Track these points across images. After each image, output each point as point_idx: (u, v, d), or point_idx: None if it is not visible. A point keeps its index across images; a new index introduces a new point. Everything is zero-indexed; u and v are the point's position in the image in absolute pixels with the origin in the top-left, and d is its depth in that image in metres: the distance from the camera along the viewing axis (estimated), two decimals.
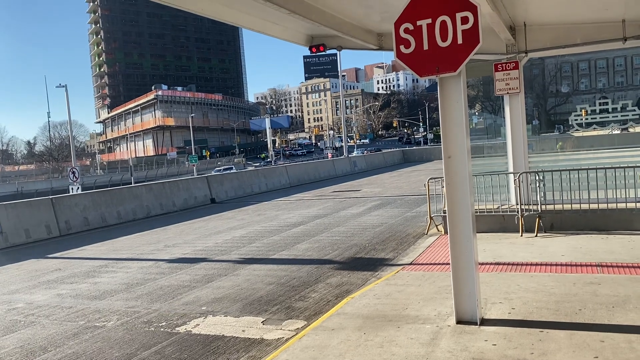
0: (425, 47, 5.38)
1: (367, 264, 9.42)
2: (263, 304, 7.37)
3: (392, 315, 5.89)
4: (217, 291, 8.26)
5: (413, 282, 7.38)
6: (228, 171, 38.88)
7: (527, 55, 11.14)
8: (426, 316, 5.75)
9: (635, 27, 9.60)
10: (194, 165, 58.03)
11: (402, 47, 5.52)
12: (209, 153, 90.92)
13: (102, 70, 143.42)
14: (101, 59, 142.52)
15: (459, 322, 5.38)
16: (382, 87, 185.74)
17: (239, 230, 14.70)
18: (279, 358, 4.96)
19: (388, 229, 12.87)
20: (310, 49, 13.04)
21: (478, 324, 5.28)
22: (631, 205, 9.70)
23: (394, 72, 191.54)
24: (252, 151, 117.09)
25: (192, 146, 76.55)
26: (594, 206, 9.90)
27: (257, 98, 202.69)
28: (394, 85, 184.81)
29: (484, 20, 9.28)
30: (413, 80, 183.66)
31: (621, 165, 10.38)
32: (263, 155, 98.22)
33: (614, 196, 10.01)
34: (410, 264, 8.78)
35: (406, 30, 5.45)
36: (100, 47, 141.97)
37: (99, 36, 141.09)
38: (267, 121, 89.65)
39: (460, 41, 5.20)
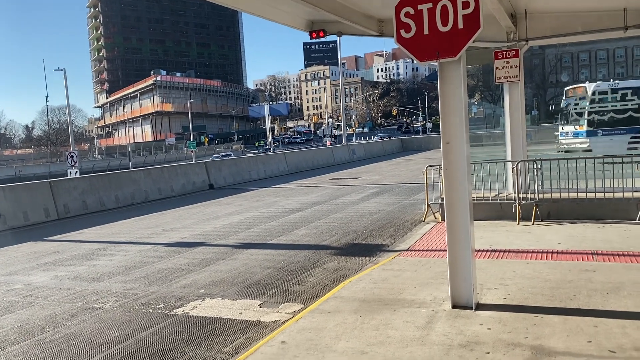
0: (426, 31, 5.36)
1: (364, 249, 9.47)
2: (260, 287, 7.41)
3: (388, 299, 5.94)
4: (214, 275, 8.30)
5: (409, 268, 7.42)
6: (226, 157, 38.85)
7: (528, 44, 11.11)
8: (422, 300, 5.80)
9: (636, 16, 9.57)
10: (192, 152, 57.95)
11: (402, 32, 5.50)
12: (207, 139, 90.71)
13: (100, 54, 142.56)
14: (100, 43, 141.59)
15: (454, 306, 5.42)
16: (382, 76, 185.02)
17: (237, 215, 14.73)
18: (275, 339, 5.00)
19: (385, 216, 12.91)
20: (310, 34, 12.97)
21: (473, 308, 5.32)
22: (628, 194, 9.74)
23: (394, 61, 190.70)
24: (251, 138, 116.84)
25: (191, 132, 76.35)
26: (590, 195, 9.94)
27: (256, 85, 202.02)
28: (393, 74, 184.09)
29: (485, 7, 9.24)
30: (413, 69, 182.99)
31: (617, 155, 10.40)
32: (257, 143, 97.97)
33: (611, 186, 10.04)
34: (407, 250, 8.82)
35: (407, 15, 5.43)
36: (99, 32, 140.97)
37: (98, 20, 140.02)
38: (266, 108, 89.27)
39: (460, 26, 5.19)
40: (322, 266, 8.42)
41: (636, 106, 19.28)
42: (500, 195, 11.02)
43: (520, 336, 4.55)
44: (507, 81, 11.17)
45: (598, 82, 20.39)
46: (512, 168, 10.61)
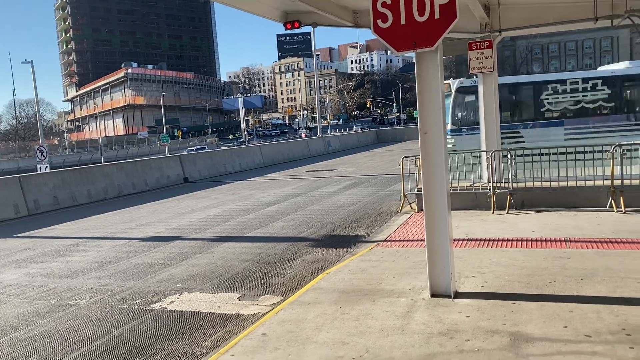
0: (403, 21, 5.35)
1: (342, 241, 9.48)
2: (239, 280, 7.36)
3: (367, 290, 5.96)
4: (192, 269, 8.21)
5: (387, 258, 7.46)
6: (201, 151, 38.43)
7: (501, 34, 11.22)
8: (401, 290, 5.83)
9: (605, 7, 9.74)
10: (165, 145, 57.15)
11: (379, 22, 5.48)
12: (180, 133, 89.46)
13: (69, 47, 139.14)
14: (68, 35, 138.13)
15: (433, 295, 5.47)
16: (356, 68, 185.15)
17: (213, 209, 14.59)
18: (256, 332, 4.97)
19: (362, 207, 12.95)
20: (284, 25, 12.84)
21: (452, 297, 5.37)
22: (598, 182, 9.95)
23: (368, 52, 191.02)
24: (225, 131, 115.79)
25: (164, 125, 75.28)
26: (563, 184, 10.14)
27: (230, 77, 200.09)
28: (367, 66, 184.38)
29: None
30: (387, 60, 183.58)
31: (588, 145, 10.62)
32: (232, 136, 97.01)
33: (582, 174, 10.26)
34: (385, 240, 8.86)
35: (383, 4, 5.41)
36: (67, 23, 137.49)
37: (66, 12, 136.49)
38: (240, 100, 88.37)
39: (437, 16, 5.20)
40: (301, 258, 8.41)
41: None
42: (475, 185, 11.15)
43: (498, 323, 4.61)
44: (481, 72, 11.27)
45: (462, 79, 19.96)
46: (487, 158, 10.75)
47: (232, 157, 28.10)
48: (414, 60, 5.97)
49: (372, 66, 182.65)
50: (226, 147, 43.49)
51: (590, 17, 10.13)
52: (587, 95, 18.78)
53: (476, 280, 5.94)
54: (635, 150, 10.30)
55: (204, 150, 37.81)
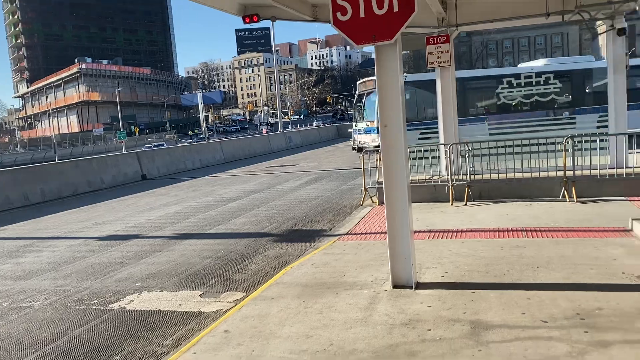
0: (362, 14, 5.36)
1: (304, 235, 9.47)
2: (200, 277, 7.25)
3: (330, 283, 5.96)
4: (151, 267, 8.03)
5: (350, 251, 7.49)
6: (159, 147, 37.65)
7: (458, 29, 11.41)
8: (363, 282, 5.86)
9: (557, 2, 10.03)
10: (122, 142, 55.63)
11: (338, 14, 5.47)
12: (138, 129, 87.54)
13: (19, 41, 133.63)
14: (17, 29, 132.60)
15: (395, 286, 5.52)
16: (316, 63, 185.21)
17: (173, 206, 14.33)
18: (218, 329, 4.90)
19: (324, 201, 12.97)
20: (243, 19, 12.67)
21: (413, 287, 5.44)
22: (552, 173, 10.27)
23: (328, 48, 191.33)
24: (184, 127, 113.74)
25: (120, 122, 73.44)
26: (518, 175, 10.41)
27: (188, 72, 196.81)
28: (327, 61, 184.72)
29: None
30: (346, 56, 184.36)
31: (542, 137, 10.94)
32: (191, 132, 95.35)
33: (537, 165, 10.56)
34: (347, 234, 8.90)
35: None
36: (16, 17, 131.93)
37: (14, 5, 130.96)
38: (199, 96, 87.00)
39: (396, 9, 5.22)
40: (263, 253, 8.35)
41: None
42: (434, 177, 11.32)
43: (459, 312, 4.69)
44: (439, 66, 11.43)
45: None
46: (445, 151, 10.93)
47: (192, 154, 27.67)
48: (373, 56, 6.00)
49: (332, 62, 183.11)
50: (185, 144, 42.77)
51: (542, 12, 10.40)
52: (508, 92, 19.27)
53: (437, 270, 6.03)
54: (586, 142, 10.67)
55: (163, 147, 37.10)
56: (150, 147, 47.53)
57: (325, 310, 5.07)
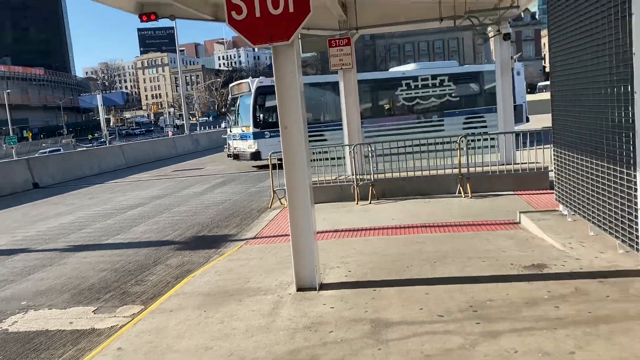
0: (258, 14, 5.25)
1: (210, 241, 9.20)
2: (95, 292, 6.78)
3: (233, 290, 5.80)
4: (39, 283, 7.40)
5: (256, 256, 7.36)
6: (55, 153, 35.17)
7: (358, 32, 11.64)
8: (268, 287, 5.76)
9: (449, 8, 10.53)
10: (12, 148, 51.39)
11: (234, 14, 5.33)
12: (31, 134, 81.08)
13: None
14: None
15: (299, 289, 5.47)
16: (224, 64, 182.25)
17: (68, 215, 13.39)
18: (111, 347, 4.58)
19: (232, 205, 12.72)
20: (140, 17, 12.06)
21: (317, 289, 5.42)
22: (448, 171, 10.76)
23: (235, 49, 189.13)
24: (84, 131, 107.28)
25: (9, 126, 67.85)
26: (418, 173, 10.81)
27: (87, 73, 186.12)
28: (235, 62, 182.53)
29: None
30: (254, 57, 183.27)
31: (439, 136, 11.45)
32: (90, 136, 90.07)
33: (435, 164, 11.03)
34: (254, 238, 8.76)
35: None
36: None
37: None
38: (99, 98, 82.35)
39: (291, 9, 5.17)
40: (165, 263, 8.00)
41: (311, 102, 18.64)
42: (340, 177, 11.47)
43: (361, 311, 4.72)
44: (342, 68, 11.60)
45: (261, 78, 19.86)
46: (349, 151, 11.11)
47: (91, 159, 26.08)
48: None
49: (240, 62, 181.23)
50: (84, 148, 40.28)
51: (436, 17, 10.89)
52: (381, 96, 19.96)
53: (340, 270, 6.07)
54: (479, 140, 11.30)
55: (59, 152, 34.71)
56: (45, 152, 44.26)
57: (226, 320, 4.90)
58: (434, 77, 19.86)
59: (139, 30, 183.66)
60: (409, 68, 21.08)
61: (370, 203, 10.55)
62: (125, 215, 12.68)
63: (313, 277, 5.46)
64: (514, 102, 20.86)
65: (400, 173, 10.96)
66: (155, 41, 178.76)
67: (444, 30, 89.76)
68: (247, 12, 5.27)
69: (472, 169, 10.55)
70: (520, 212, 7.87)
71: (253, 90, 18.90)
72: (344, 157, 12.07)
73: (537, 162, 10.45)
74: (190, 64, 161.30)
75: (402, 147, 11.27)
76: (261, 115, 19.07)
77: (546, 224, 7.09)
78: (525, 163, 10.58)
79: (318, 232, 8.45)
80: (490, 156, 10.96)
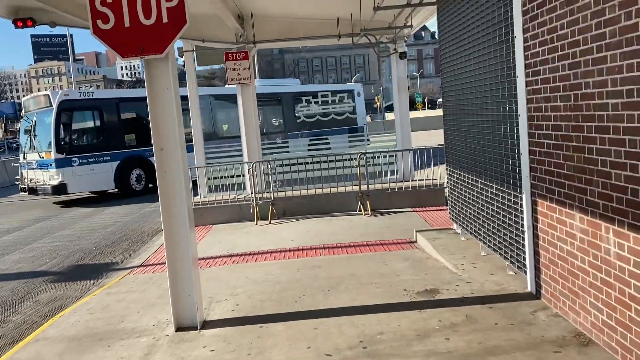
0: (127, 23, 4.70)
1: (91, 271, 8.34)
2: None
3: (104, 332, 5.12)
4: None
5: (138, 288, 6.69)
6: None
7: (256, 46, 11.28)
8: (144, 327, 5.15)
9: (346, 25, 10.45)
10: None
11: (99, 22, 4.74)
12: None
13: None
14: None
15: (178, 329, 4.92)
16: (127, 74, 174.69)
17: None
18: None
19: (121, 227, 11.77)
20: (14, 22, 10.92)
21: (199, 328, 4.90)
22: (349, 188, 10.64)
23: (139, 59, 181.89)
24: None
25: None
26: (319, 191, 10.58)
27: None
28: (139, 72, 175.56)
29: (209, 6, 8.98)
30: None
31: (338, 154, 11.33)
32: None
33: (336, 182, 10.87)
34: (140, 265, 8.05)
35: (103, 3, 4.69)
36: None
37: None
38: None
39: (165, 20, 4.68)
40: (34, 298, 7.08)
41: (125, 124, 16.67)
42: (239, 197, 10.97)
43: (243, 354, 4.28)
44: (239, 83, 11.15)
45: (66, 90, 17.14)
46: (248, 169, 10.66)
47: None
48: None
49: (143, 73, 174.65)
50: None
51: (334, 34, 10.78)
52: (220, 115, 18.68)
53: (228, 303, 5.58)
54: (378, 157, 11.30)
55: None
56: None
57: None
58: (273, 95, 19.14)
59: (33, 37, 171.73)
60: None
61: (270, 223, 10.15)
62: None
63: (194, 314, 4.94)
64: (356, 124, 20.70)
65: (301, 191, 10.67)
66: (52, 49, 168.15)
67: (349, 47, 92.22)
68: (115, 21, 4.71)
69: (372, 186, 10.49)
70: (416, 231, 7.82)
71: (55, 106, 15.25)
72: (243, 175, 11.59)
73: (433, 179, 10.60)
74: (91, 74, 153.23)
75: (302, 164, 11.01)
76: (67, 138, 15.52)
77: (440, 243, 7.06)
78: (422, 180, 10.69)
79: (211, 258, 7.96)
80: (389, 173, 10.99)
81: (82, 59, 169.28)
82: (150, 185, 16.91)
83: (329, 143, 16.76)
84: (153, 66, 4.84)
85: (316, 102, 19.22)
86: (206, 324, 5.02)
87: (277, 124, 20.32)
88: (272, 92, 19.97)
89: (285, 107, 20.17)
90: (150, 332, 4.99)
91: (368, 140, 16.60)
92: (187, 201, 4.91)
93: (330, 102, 19.37)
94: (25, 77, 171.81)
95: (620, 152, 3.34)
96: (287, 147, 16.91)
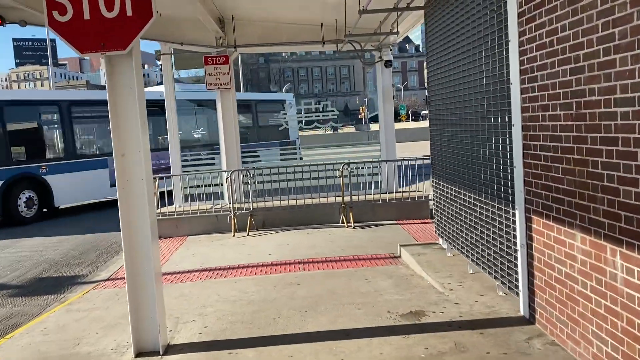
0: (87, 16, 4.27)
1: (54, 284, 7.79)
2: None
3: (56, 357, 4.62)
4: None
5: (101, 304, 6.19)
6: None
7: (237, 51, 10.87)
8: (101, 352, 4.66)
9: (331, 31, 10.12)
10: None
11: (56, 14, 4.31)
12: None
13: None
14: None
15: (138, 354, 4.45)
16: None
17: None
18: None
19: (92, 237, 11.20)
20: None
21: (161, 353, 4.43)
22: (331, 199, 10.24)
23: None
24: None
25: None
26: (300, 202, 10.16)
27: None
28: None
29: (188, 8, 8.57)
30: (146, 74, 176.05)
31: (321, 163, 10.91)
32: None
33: (318, 192, 10.47)
34: (107, 279, 7.53)
35: None
36: None
37: None
38: None
39: (129, 13, 4.26)
40: None
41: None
42: (216, 207, 10.51)
43: None
44: (219, 88, 10.72)
45: None
46: (226, 178, 10.21)
47: None
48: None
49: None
50: None
51: (319, 40, 10.43)
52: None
53: (196, 325, 5.11)
54: (362, 168, 10.92)
55: None
56: None
57: None
58: (191, 102, 17.28)
59: (15, 40, 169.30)
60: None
61: (248, 235, 9.69)
62: None
63: (156, 338, 4.46)
64: (288, 138, 19.15)
65: (282, 202, 10.25)
66: (34, 53, 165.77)
67: (335, 58, 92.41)
68: (74, 13, 4.28)
69: (355, 198, 10.10)
70: (400, 246, 7.43)
71: None
72: (221, 184, 11.13)
73: (417, 191, 10.25)
74: (74, 79, 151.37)
75: (284, 173, 10.61)
76: None
77: (425, 259, 6.67)
78: (407, 192, 10.33)
79: (183, 272, 7.47)
80: (373, 184, 10.62)
81: (65, 64, 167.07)
82: (45, 210, 13.82)
83: (258, 156, 15.49)
84: (115, 63, 4.40)
85: (248, 113, 18.09)
86: (170, 349, 4.55)
87: (198, 136, 18.22)
88: (191, 98, 17.44)
89: (208, 116, 17.59)
90: (108, 357, 4.51)
91: (301, 157, 14.58)
92: (149, 212, 4.46)
93: (256, 112, 18.25)
94: (6, 81, 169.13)
95: (630, 167, 2.99)
96: (213, 162, 13.67)
